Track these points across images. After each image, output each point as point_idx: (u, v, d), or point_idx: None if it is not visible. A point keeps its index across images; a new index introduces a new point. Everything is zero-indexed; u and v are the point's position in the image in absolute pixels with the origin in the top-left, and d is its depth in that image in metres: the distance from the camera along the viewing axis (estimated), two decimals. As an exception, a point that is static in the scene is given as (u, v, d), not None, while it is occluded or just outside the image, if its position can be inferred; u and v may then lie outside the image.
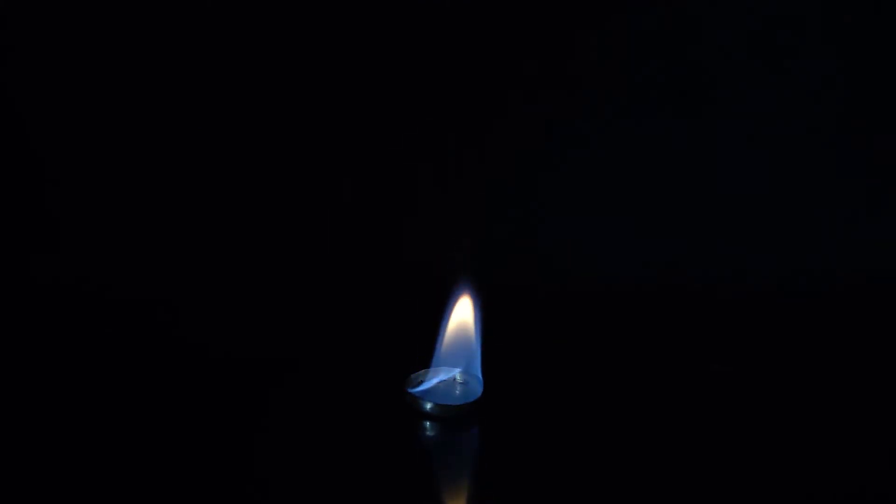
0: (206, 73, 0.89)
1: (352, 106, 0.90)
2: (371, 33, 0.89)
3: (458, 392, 0.71)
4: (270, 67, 0.89)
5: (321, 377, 0.73)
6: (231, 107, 0.90)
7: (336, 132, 0.91)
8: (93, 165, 0.90)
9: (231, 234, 0.91)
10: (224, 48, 0.88)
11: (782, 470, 0.63)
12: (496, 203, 0.92)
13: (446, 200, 0.92)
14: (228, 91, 0.89)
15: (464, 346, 0.71)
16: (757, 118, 0.90)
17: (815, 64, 0.89)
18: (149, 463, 0.63)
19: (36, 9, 0.86)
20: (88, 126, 0.89)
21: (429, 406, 0.68)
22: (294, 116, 0.90)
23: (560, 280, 0.89)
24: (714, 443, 0.66)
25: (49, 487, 0.60)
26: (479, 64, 0.89)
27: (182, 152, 0.90)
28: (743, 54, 0.89)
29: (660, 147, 0.91)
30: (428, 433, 0.68)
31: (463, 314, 0.72)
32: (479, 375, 0.70)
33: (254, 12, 0.88)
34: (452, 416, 0.68)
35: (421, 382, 0.71)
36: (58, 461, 0.63)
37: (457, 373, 0.71)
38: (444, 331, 0.72)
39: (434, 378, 0.71)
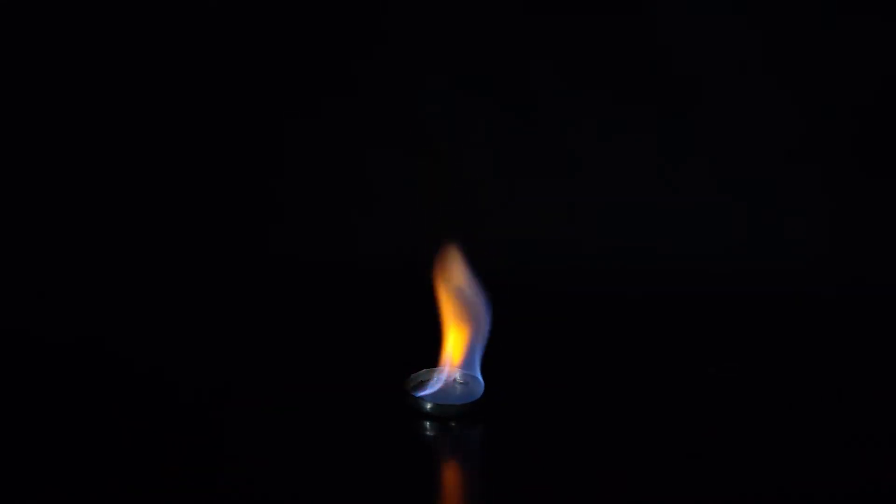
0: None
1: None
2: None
3: (458, 392, 0.71)
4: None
5: (321, 377, 0.73)
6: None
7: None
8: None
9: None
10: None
11: (780, 470, 0.63)
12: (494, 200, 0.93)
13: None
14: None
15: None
16: (742, 120, 0.91)
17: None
18: (150, 464, 0.63)
19: None
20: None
21: (429, 406, 0.68)
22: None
23: (558, 281, 0.89)
24: (713, 444, 0.66)
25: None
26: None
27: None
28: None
29: (656, 148, 0.92)
30: (428, 433, 0.68)
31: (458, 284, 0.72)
32: (479, 375, 0.71)
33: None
34: (452, 415, 0.68)
35: (421, 382, 0.71)
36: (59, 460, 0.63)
37: (457, 373, 0.72)
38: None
39: (435, 378, 0.71)
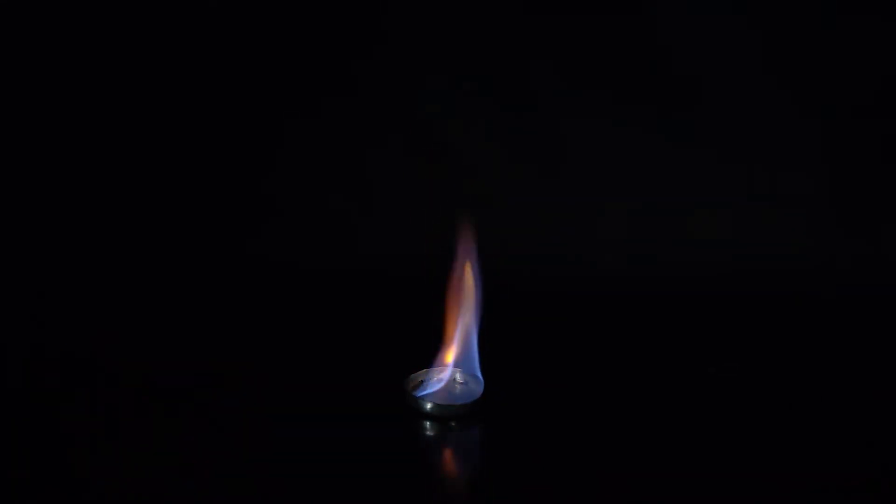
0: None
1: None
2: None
3: (458, 392, 0.71)
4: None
5: (322, 377, 0.73)
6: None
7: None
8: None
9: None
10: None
11: (780, 470, 0.63)
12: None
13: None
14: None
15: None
16: (742, 120, 0.91)
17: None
18: (149, 464, 0.63)
19: None
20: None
21: (429, 406, 0.68)
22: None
23: (558, 281, 0.89)
24: (713, 444, 0.66)
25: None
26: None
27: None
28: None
29: (656, 148, 0.92)
30: (428, 433, 0.68)
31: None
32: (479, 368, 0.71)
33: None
34: (452, 415, 0.68)
35: (421, 382, 0.71)
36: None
37: (457, 373, 0.72)
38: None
39: (434, 377, 0.71)
